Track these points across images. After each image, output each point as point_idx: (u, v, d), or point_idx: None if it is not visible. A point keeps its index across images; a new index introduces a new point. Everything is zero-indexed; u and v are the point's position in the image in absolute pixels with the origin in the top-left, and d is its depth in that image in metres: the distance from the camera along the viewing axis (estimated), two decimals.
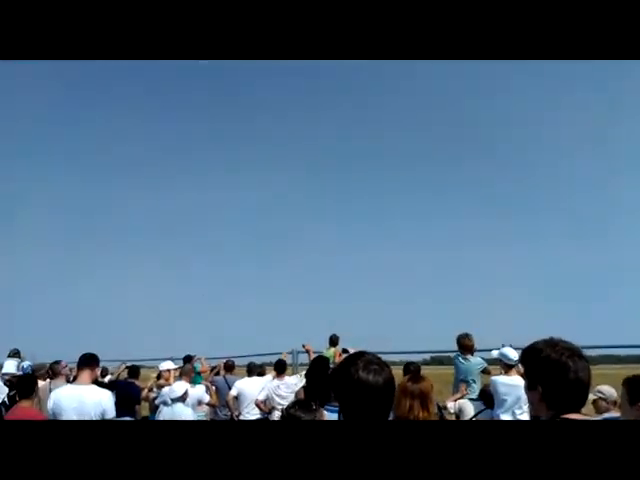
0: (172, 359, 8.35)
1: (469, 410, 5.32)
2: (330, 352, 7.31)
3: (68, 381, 6.02)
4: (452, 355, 6.18)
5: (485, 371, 5.82)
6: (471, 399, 5.47)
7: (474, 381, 5.66)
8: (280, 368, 6.69)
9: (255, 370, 7.15)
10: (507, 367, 4.99)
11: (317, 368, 4.56)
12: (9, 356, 8.56)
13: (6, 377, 8.09)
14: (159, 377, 7.33)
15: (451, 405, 5.44)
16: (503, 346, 5.16)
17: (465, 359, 5.76)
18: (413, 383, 2.78)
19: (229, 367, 7.73)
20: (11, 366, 8.22)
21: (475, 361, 5.77)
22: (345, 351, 6.54)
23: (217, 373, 8.00)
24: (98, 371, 4.96)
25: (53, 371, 6.45)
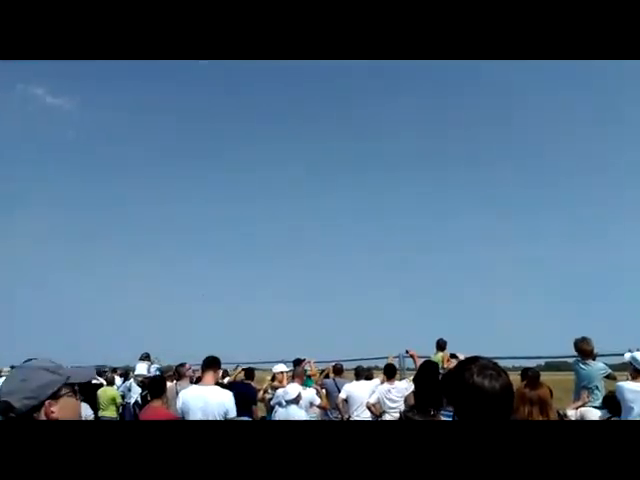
0: (283, 362, 8.71)
1: (592, 418, 4.98)
2: (438, 357, 7.19)
3: (192, 382, 6.51)
4: (570, 361, 5.83)
5: (610, 377, 5.42)
6: (594, 407, 5.12)
7: (597, 388, 5.29)
8: (390, 372, 6.72)
9: (363, 374, 7.25)
10: (637, 372, 4.61)
11: (426, 373, 4.53)
12: (140, 359, 9.54)
13: (139, 378, 9.02)
14: (273, 379, 7.67)
15: (572, 413, 5.12)
16: (630, 351, 4.79)
17: (585, 364, 5.41)
18: (531, 389, 2.70)
19: (338, 370, 7.90)
20: (142, 368, 9.16)
21: (597, 366, 5.40)
22: (453, 356, 6.41)
23: (326, 376, 8.20)
24: (220, 373, 5.33)
25: (179, 373, 7.05)
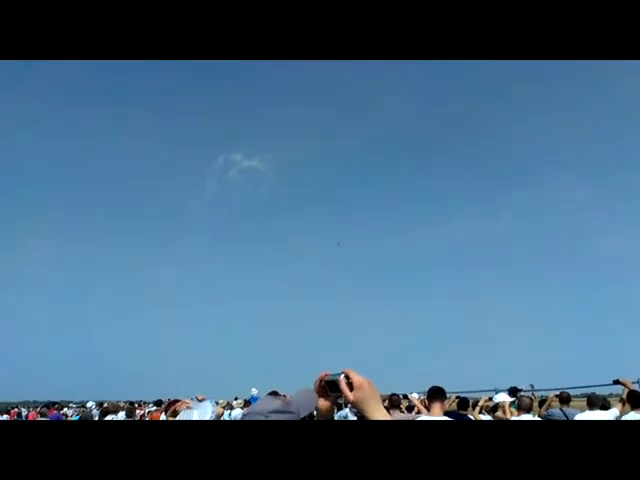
0: (496, 391, 8.31)
1: None
2: None
3: (401, 411, 6.56)
4: None
5: None
6: None
7: None
8: (636, 400, 5.90)
9: (598, 402, 6.49)
10: None
11: None
12: None
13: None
14: (495, 409, 7.33)
15: None
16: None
17: None
18: None
19: (565, 399, 7.22)
20: None
21: None
22: None
23: (549, 406, 7.55)
24: (447, 403, 5.31)
25: (392, 403, 7.19)
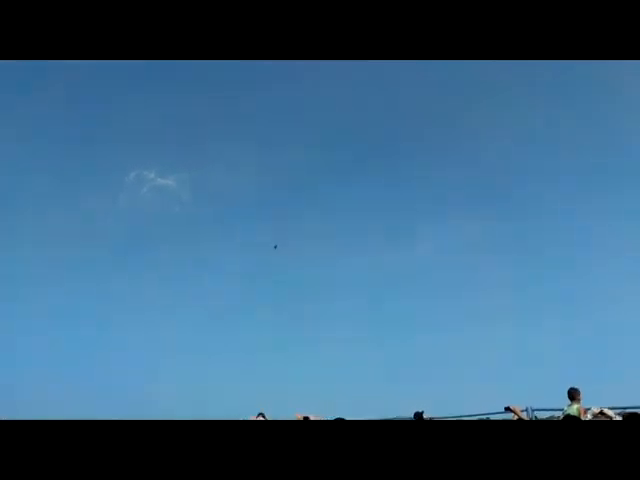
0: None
1: None
2: (573, 409, 6.72)
3: None
4: None
5: None
6: None
7: None
8: None
9: None
10: None
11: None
12: None
13: None
14: None
15: None
16: None
17: None
18: None
19: None
20: None
21: None
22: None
23: None
24: None
25: None
